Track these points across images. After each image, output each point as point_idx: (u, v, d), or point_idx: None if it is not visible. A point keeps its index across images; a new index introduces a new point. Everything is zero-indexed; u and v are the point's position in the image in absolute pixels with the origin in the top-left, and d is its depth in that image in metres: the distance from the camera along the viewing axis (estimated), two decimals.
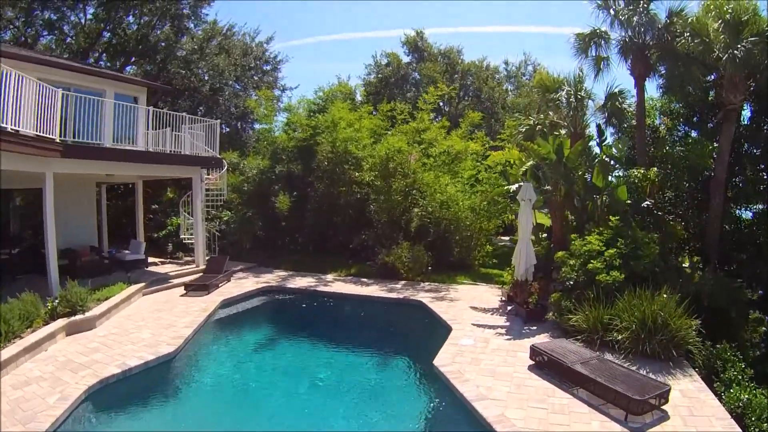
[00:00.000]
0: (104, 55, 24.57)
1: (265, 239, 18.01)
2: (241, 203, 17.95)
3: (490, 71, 29.23)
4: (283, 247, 17.89)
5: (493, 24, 54.72)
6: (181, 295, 11.67)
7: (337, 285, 12.83)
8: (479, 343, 7.94)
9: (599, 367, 6.59)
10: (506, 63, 32.01)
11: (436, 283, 12.99)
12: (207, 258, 14.84)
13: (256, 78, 26.69)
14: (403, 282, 13.10)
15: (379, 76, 28.09)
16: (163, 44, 23.11)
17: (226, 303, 11.27)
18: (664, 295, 7.96)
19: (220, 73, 23.35)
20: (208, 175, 16.57)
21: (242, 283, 13.04)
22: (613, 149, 10.87)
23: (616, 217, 9.74)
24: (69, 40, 23.80)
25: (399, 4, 50.02)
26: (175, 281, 12.89)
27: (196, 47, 23.46)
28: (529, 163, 10.82)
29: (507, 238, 20.45)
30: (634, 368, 6.98)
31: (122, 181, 17.42)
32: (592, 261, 8.77)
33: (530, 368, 7.04)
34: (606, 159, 10.85)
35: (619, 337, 7.60)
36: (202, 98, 24.40)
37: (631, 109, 14.43)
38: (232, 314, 10.90)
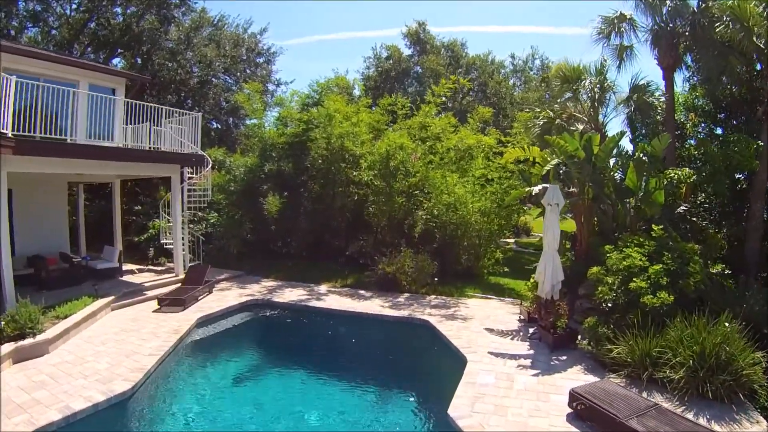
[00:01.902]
0: (89, 47, 23.10)
1: (254, 244, 16.59)
2: (227, 205, 16.48)
3: (495, 65, 27.79)
4: (274, 253, 16.44)
5: (495, 23, 53.31)
6: (154, 311, 10.25)
7: (332, 299, 11.41)
8: (502, 381, 6.52)
9: (659, 421, 5.19)
10: (512, 57, 30.60)
11: (443, 297, 11.57)
12: (191, 265, 13.40)
13: (248, 71, 25.24)
14: (405, 295, 11.68)
15: (379, 69, 26.60)
16: (147, 34, 21.61)
17: (204, 321, 9.84)
18: (725, 324, 6.57)
19: (209, 64, 21.86)
20: (192, 173, 15.15)
21: (225, 296, 11.61)
22: (649, 147, 9.44)
23: (659, 226, 8.33)
24: (54, 32, 22.34)
25: (401, 3, 48.49)
26: (150, 293, 11.45)
27: (182, 36, 21.96)
28: (553, 162, 9.40)
29: (512, 240, 19.01)
30: (691, 416, 5.65)
31: (96, 180, 15.93)
32: (634, 279, 7.36)
33: (570, 419, 5.63)
34: (643, 158, 9.42)
35: (675, 376, 6.20)
36: (189, 91, 22.94)
37: (658, 104, 13.06)
38: (209, 336, 9.46)
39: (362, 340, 9.40)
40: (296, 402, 6.70)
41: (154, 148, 12.60)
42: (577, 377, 6.75)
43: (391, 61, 26.57)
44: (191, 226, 15.43)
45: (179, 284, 11.95)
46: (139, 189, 18.71)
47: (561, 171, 9.70)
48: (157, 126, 12.94)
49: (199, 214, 16.14)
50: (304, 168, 15.96)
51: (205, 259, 14.86)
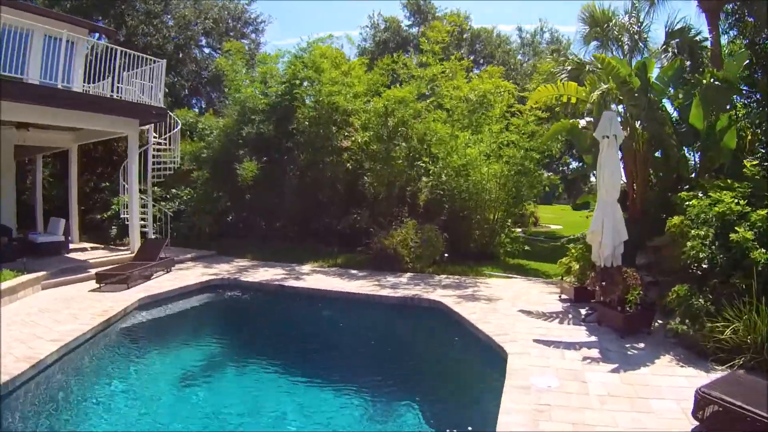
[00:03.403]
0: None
1: (232, 223, 14.31)
2: (199, 177, 14.19)
3: (501, 38, 25.61)
4: (254, 232, 14.15)
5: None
6: (92, 290, 7.98)
7: (314, 278, 9.12)
8: (569, 384, 4.22)
9: None
10: (520, 30, 28.37)
11: (457, 276, 9.31)
12: (146, 239, 11.13)
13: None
14: (408, 275, 9.42)
15: (376, 39, 24.34)
16: None
17: (149, 303, 7.54)
18: None
19: (187, 25, 19.56)
20: (158, 137, 12.87)
21: (184, 275, 9.32)
22: (721, 71, 7.23)
23: (752, 162, 6.13)
24: None
25: None
26: (95, 271, 9.15)
27: None
28: (602, 88, 7.16)
29: (518, 230, 16.65)
30: None
31: (49, 146, 13.57)
32: (736, 228, 5.16)
33: None
34: (716, 83, 7.17)
35: None
36: (166, 58, 20.61)
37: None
38: (150, 320, 7.14)
39: (350, 327, 7.13)
40: (244, 413, 4.40)
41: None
42: (673, 371, 4.51)
43: (389, 33, 24.31)
44: (163, 203, 13.19)
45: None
46: (105, 163, 16.34)
47: (608, 102, 7.49)
48: (120, 84, 10.76)
49: (173, 191, 13.86)
50: (289, 132, 13.67)
51: (175, 240, 12.61)
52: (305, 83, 13.65)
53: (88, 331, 5.89)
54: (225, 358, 6.06)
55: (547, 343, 5.29)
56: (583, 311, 6.51)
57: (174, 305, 7.84)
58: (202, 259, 11.37)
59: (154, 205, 12.71)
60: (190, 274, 9.48)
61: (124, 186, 12.16)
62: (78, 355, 5.46)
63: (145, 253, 9.85)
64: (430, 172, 11.41)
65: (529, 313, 6.60)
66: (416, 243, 9.63)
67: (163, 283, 8.62)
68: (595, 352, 5.00)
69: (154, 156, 12.85)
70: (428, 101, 12.17)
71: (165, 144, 13.08)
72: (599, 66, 7.37)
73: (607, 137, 6.08)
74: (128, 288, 8.06)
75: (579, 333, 5.68)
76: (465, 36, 24.88)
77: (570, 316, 6.44)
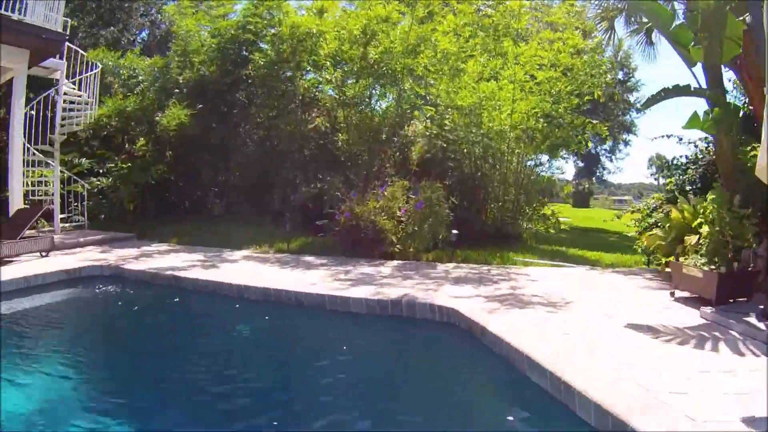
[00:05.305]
0: None
1: (169, 200, 10.67)
2: (123, 140, 10.54)
3: None
4: (194, 209, 10.54)
5: None
6: None
7: (238, 268, 5.53)
8: None
9: None
10: None
11: (473, 265, 5.75)
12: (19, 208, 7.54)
13: None
14: (395, 263, 5.84)
15: None
16: None
17: None
18: None
19: None
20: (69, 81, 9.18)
21: (60, 260, 5.79)
22: None
23: None
24: None
25: None
26: None
27: None
28: None
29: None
30: None
31: None
32: None
33: None
34: None
35: None
36: (105, 12, 16.88)
37: None
38: None
39: (266, 366, 3.41)
40: None
41: None
42: None
43: None
44: (95, 179, 9.71)
45: None
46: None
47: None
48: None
49: (109, 165, 10.11)
50: (241, 80, 10.10)
51: (92, 224, 9.11)
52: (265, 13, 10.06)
53: None
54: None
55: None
56: (753, 320, 3.02)
57: (23, 300, 4.40)
58: (112, 243, 7.77)
59: (76, 181, 9.18)
60: (70, 259, 5.88)
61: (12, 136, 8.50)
62: None
63: (14, 228, 6.34)
64: (428, 116, 7.86)
65: (646, 329, 3.07)
66: (408, 211, 6.07)
67: (20, 268, 5.13)
68: None
69: (65, 110, 9.09)
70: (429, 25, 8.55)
71: (75, 90, 9.36)
72: None
73: None
74: None
75: None
76: None
77: (732, 332, 2.95)
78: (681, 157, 6.38)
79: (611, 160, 27.12)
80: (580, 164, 27.73)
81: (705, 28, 4.54)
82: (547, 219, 8.40)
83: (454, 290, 4.32)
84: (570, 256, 7.18)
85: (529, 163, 8.41)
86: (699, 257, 4.07)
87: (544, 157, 8.53)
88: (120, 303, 4.82)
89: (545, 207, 8.63)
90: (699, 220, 4.48)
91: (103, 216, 9.74)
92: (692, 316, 3.53)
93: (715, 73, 5.03)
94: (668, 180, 6.21)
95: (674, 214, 4.80)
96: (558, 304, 3.86)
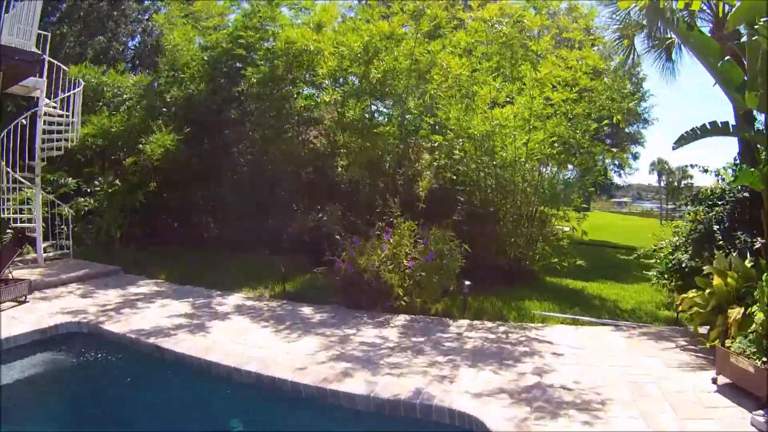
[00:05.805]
0: None
1: (159, 227, 10.07)
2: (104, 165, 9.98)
3: None
4: (184, 237, 9.93)
5: None
6: None
7: (229, 328, 5.01)
8: None
9: None
10: None
11: (488, 324, 5.23)
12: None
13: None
14: (401, 319, 5.33)
15: None
16: None
17: None
18: None
19: None
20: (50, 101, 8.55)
21: (37, 310, 5.26)
22: None
23: None
24: None
25: None
26: None
27: None
28: None
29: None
30: None
31: None
32: None
33: None
34: None
35: None
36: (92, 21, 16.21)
37: None
38: None
39: None
40: None
41: None
42: None
43: None
44: (82, 199, 9.20)
45: None
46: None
47: None
48: None
49: (96, 183, 9.49)
50: (232, 97, 9.52)
51: (78, 249, 8.62)
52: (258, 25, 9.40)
53: None
54: None
55: None
56: None
57: None
58: (96, 279, 7.25)
59: (59, 204, 8.68)
60: (46, 308, 5.35)
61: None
62: None
63: None
64: (436, 144, 7.30)
65: None
66: (416, 261, 5.54)
67: None
68: None
69: (45, 132, 8.41)
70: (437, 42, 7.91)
71: (57, 109, 8.71)
72: None
73: None
74: None
75: None
76: None
77: None
78: (705, 188, 5.88)
79: (620, 175, 26.14)
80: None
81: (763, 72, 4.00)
82: (562, 250, 7.83)
83: (472, 379, 3.80)
84: (588, 296, 6.75)
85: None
86: (748, 343, 3.57)
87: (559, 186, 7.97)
88: (98, 379, 4.32)
89: (560, 236, 8.06)
90: (744, 289, 4.01)
91: (89, 242, 9.21)
92: (740, 421, 3.06)
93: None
94: (697, 209, 5.69)
95: (716, 281, 4.28)
96: (593, 403, 3.35)
